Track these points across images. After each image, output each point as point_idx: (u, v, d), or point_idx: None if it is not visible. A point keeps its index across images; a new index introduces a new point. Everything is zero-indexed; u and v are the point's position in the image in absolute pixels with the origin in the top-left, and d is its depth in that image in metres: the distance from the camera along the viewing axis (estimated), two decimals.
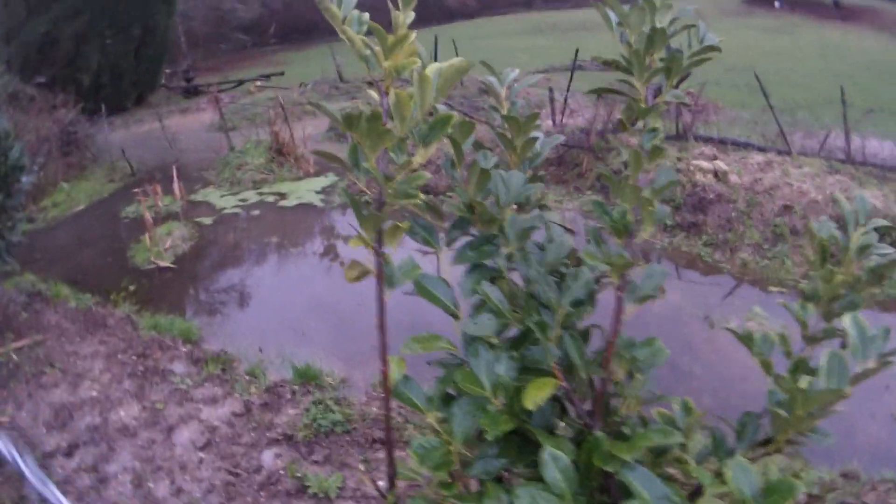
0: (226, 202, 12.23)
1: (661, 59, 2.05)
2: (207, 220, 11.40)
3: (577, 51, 15.86)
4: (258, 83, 23.36)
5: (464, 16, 43.71)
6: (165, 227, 10.85)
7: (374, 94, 2.11)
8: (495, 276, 2.23)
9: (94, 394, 6.11)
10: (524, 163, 2.51)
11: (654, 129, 2.08)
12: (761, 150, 12.73)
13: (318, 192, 12.50)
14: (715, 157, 11.84)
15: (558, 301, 1.99)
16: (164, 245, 10.23)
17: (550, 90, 14.73)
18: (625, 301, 1.93)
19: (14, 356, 6.77)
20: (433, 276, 2.46)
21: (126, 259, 10.04)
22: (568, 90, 14.92)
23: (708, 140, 13.17)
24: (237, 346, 7.34)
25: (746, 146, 12.98)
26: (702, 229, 10.40)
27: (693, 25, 2.09)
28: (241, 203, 12.16)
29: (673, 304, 8.49)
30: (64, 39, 19.42)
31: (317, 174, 13.58)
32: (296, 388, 6.21)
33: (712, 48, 2.09)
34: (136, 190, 12.14)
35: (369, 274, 2.27)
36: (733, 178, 11.16)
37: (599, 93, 2.33)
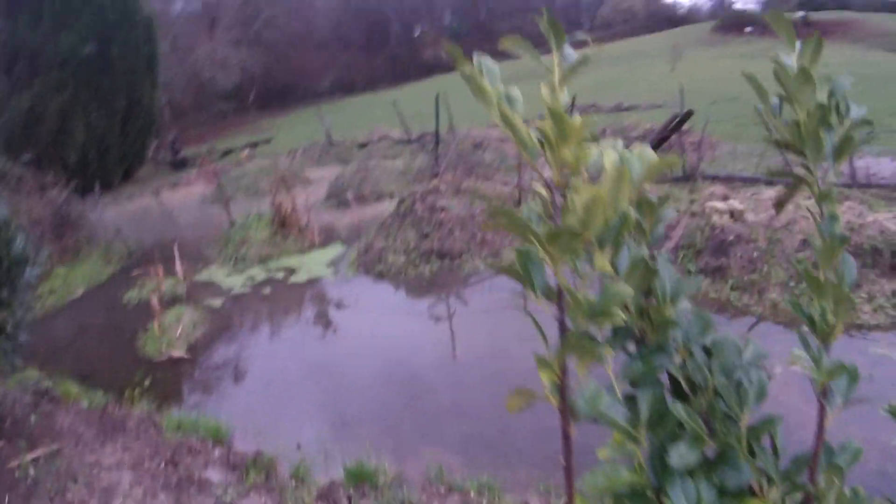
0: (233, 281, 11.76)
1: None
2: (217, 303, 10.90)
3: (573, 97, 15.73)
4: (245, 152, 23.08)
5: (441, 69, 43.97)
6: (173, 313, 10.34)
7: (542, 190, 1.77)
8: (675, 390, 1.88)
9: None
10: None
11: (833, 216, 1.81)
12: (769, 183, 12.55)
13: (327, 266, 12.08)
14: (726, 197, 11.61)
15: (741, 411, 1.76)
16: (174, 332, 9.71)
17: None
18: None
19: (31, 469, 6.18)
20: (612, 400, 2.07)
21: (135, 349, 9.49)
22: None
23: (715, 178, 12.99)
24: (272, 443, 6.79)
25: (754, 181, 12.80)
26: (726, 272, 10.06)
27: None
28: (249, 282, 11.68)
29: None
30: (49, 115, 19.05)
31: (322, 245, 13.19)
32: (350, 491, 5.68)
33: (867, 122, 1.84)
34: (135, 273, 11.65)
35: (533, 400, 1.93)
36: (750, 216, 10.89)
37: (776, 176, 2.08)
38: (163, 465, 6.28)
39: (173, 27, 28.11)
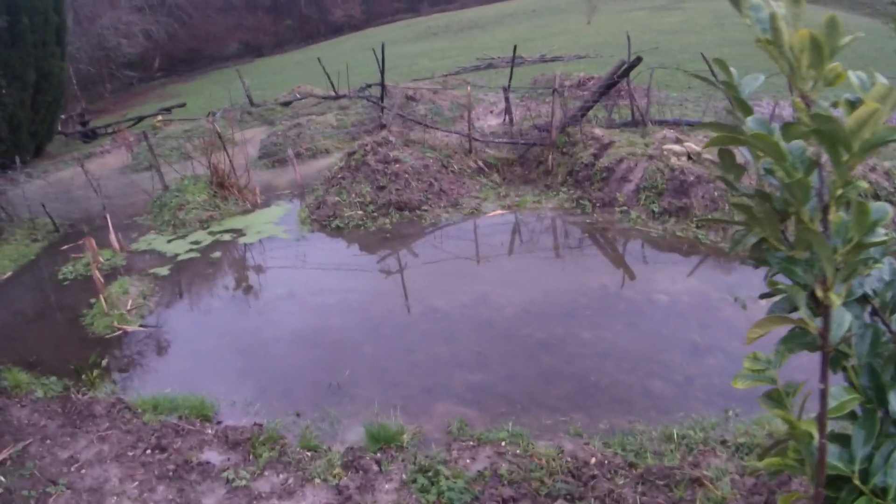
0: (176, 247, 10.64)
1: None
2: (163, 271, 9.81)
3: (515, 47, 15.08)
4: (160, 117, 21.31)
5: (350, 28, 42.48)
6: (118, 285, 9.21)
7: (799, 102, 1.62)
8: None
9: None
10: None
11: None
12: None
13: (277, 225, 11.14)
14: (679, 140, 11.38)
15: None
16: (124, 306, 8.64)
17: (505, 90, 13.78)
18: None
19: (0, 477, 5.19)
20: None
21: (83, 328, 8.37)
22: (509, 88, 14.06)
23: (663, 123, 12.77)
24: (264, 414, 6.05)
25: (701, 125, 12.67)
26: (689, 212, 9.88)
27: None
28: (194, 246, 10.61)
29: (697, 290, 7.96)
30: None
31: (265, 204, 12.20)
32: (378, 455, 5.03)
33: None
34: (65, 247, 10.40)
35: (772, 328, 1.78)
36: (708, 157, 10.70)
37: None
38: (150, 451, 5.43)
39: None
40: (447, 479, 4.60)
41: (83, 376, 7.09)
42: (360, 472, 4.83)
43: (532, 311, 7.72)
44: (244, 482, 4.82)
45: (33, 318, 9.00)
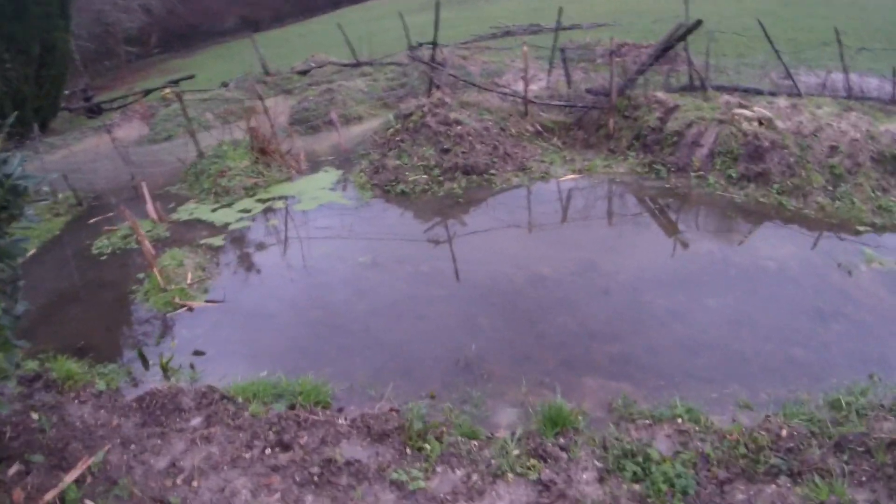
0: (224, 216, 9.36)
1: None
2: (217, 241, 8.55)
3: (560, 9, 13.80)
4: (167, 90, 19.68)
5: (349, 1, 40.74)
6: (170, 257, 7.96)
7: None
8: None
9: None
10: None
11: None
12: (772, 94, 11.47)
13: (331, 191, 9.90)
14: (743, 106, 10.37)
15: None
16: (183, 280, 7.41)
17: (562, 51, 12.56)
18: None
19: (89, 502, 3.95)
20: None
21: (135, 306, 7.12)
22: (554, 54, 12.90)
23: (721, 88, 11.74)
24: (392, 397, 4.93)
25: (757, 92, 11.70)
26: (768, 178, 8.96)
27: None
28: (245, 215, 9.33)
29: (800, 256, 7.12)
30: None
31: (310, 171, 10.93)
32: (562, 441, 3.99)
33: None
34: (93, 220, 9.10)
35: None
36: (779, 123, 9.71)
37: None
38: (270, 451, 4.26)
39: None
40: (660, 464, 3.60)
41: (151, 362, 5.89)
42: (551, 460, 3.76)
43: (647, 277, 6.70)
44: (420, 484, 3.69)
45: (72, 297, 7.64)
